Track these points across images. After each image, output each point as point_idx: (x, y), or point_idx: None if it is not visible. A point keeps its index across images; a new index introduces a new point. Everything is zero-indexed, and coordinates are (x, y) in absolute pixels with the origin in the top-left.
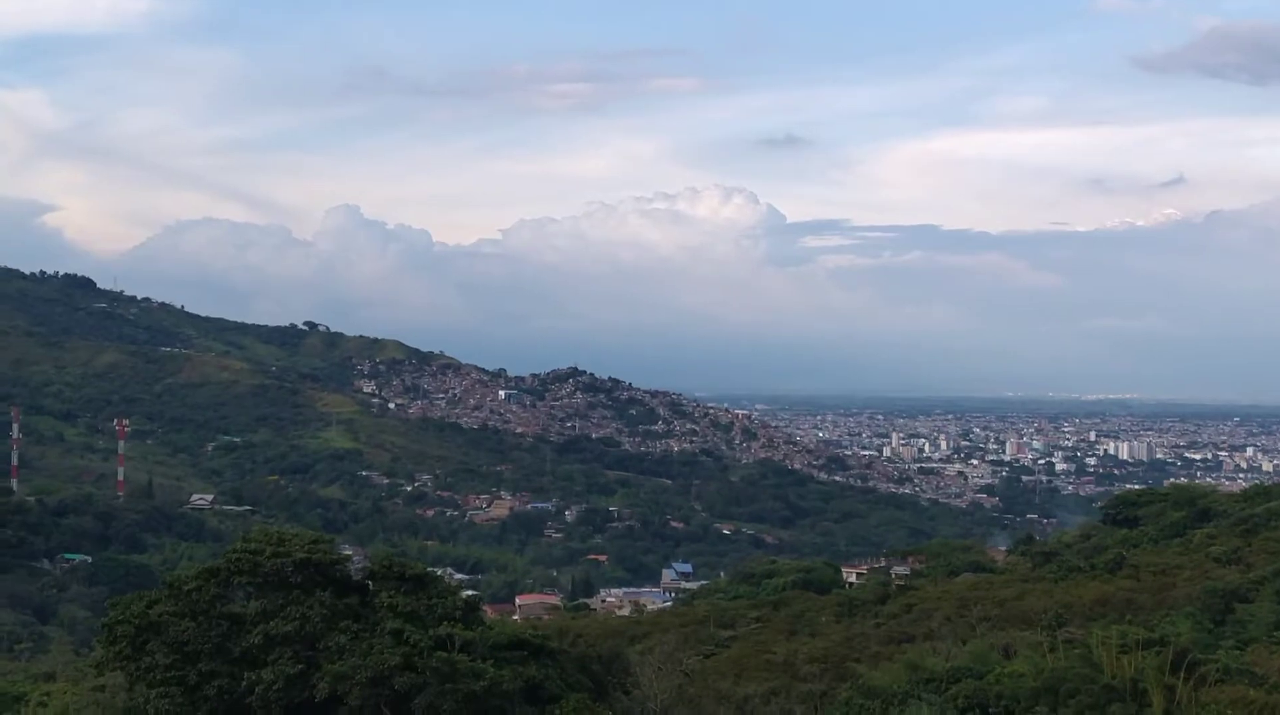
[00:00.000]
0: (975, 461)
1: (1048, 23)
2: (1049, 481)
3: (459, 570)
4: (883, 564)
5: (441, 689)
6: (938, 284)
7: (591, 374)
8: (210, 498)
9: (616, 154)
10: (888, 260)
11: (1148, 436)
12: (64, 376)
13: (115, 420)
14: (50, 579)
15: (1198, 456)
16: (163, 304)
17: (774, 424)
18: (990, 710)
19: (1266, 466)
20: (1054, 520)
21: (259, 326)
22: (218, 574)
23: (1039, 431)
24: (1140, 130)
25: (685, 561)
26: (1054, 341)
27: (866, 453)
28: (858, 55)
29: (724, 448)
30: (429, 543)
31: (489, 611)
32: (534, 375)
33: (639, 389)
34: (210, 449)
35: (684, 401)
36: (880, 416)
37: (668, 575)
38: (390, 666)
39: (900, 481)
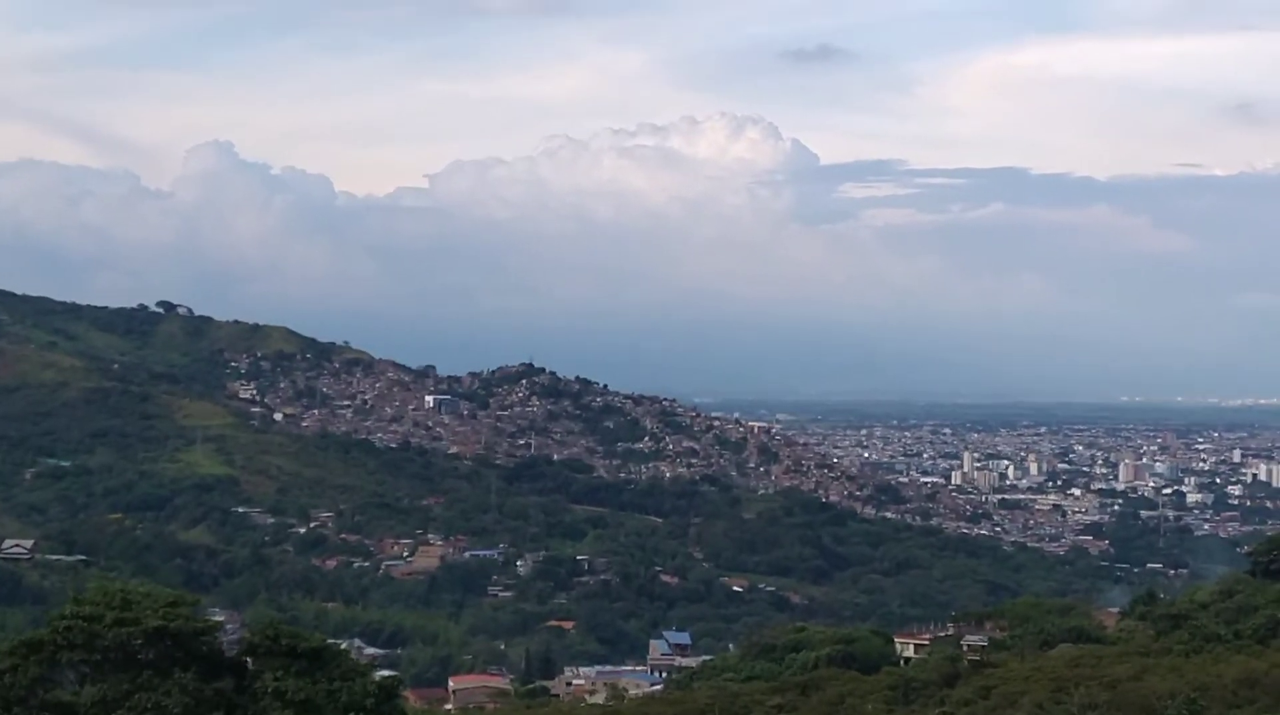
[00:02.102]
0: (1077, 491)
1: None
2: (1178, 518)
3: (371, 642)
4: (951, 632)
5: None
6: (1025, 248)
7: (553, 373)
8: (29, 544)
9: (587, 70)
10: (958, 216)
11: None
12: None
13: None
14: None
15: None
16: None
17: (803, 441)
18: None
19: None
20: (1185, 571)
21: (97, 308)
22: (39, 649)
23: (1164, 450)
24: None
25: (681, 629)
26: (1184, 326)
27: (929, 480)
28: None
29: (734, 473)
30: (330, 605)
31: (412, 699)
32: (474, 374)
33: (617, 393)
34: (29, 477)
35: (679, 410)
36: (947, 430)
37: (657, 648)
38: None
39: (975, 519)
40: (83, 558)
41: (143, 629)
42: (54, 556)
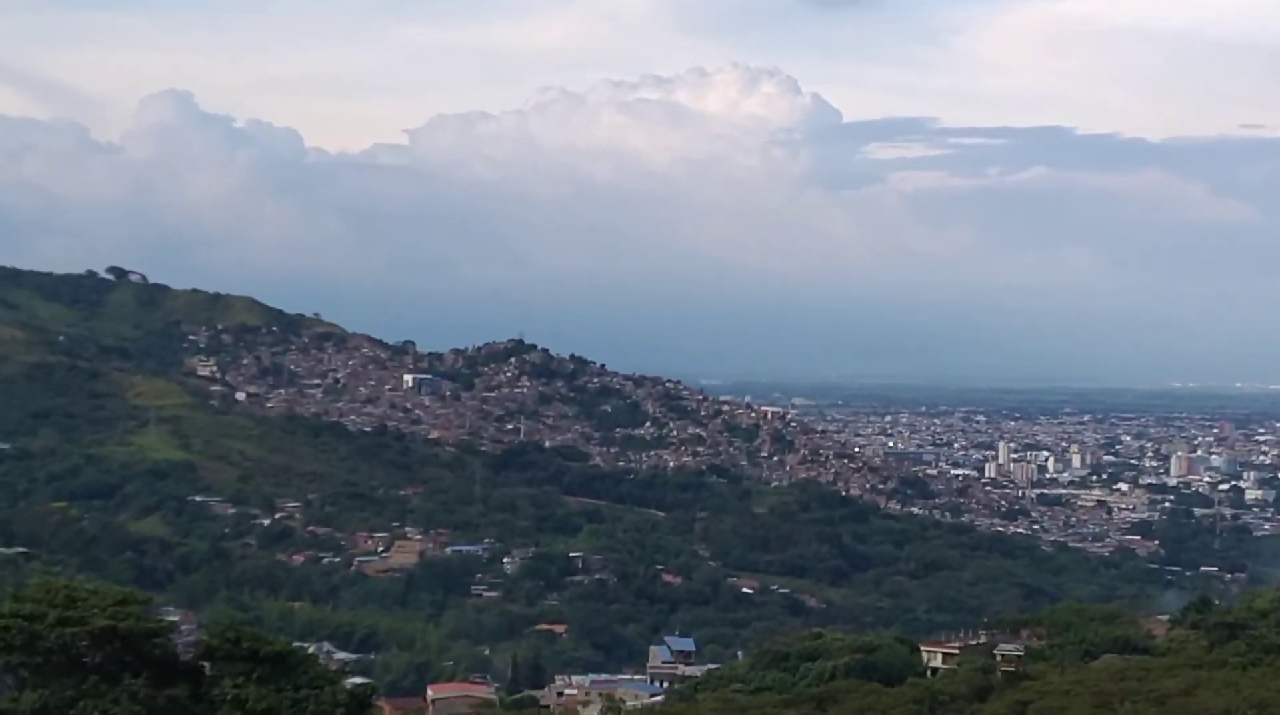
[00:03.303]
0: (1124, 486)
1: None
2: (1235, 517)
3: (341, 646)
4: (983, 640)
5: None
6: (1069, 217)
7: (545, 350)
8: None
9: (584, 15)
10: (995, 180)
11: None
12: None
13: None
14: None
15: None
16: None
17: (821, 428)
18: None
19: None
20: (1242, 575)
21: (40, 274)
22: None
23: (1221, 441)
24: None
25: (685, 634)
26: (1245, 305)
27: (960, 472)
28: None
29: (744, 463)
30: (296, 604)
31: (387, 709)
32: (458, 351)
33: (616, 373)
34: None
35: (684, 393)
36: (981, 417)
37: (658, 654)
38: None
39: (1011, 516)
40: (23, 550)
41: (89, 630)
42: None
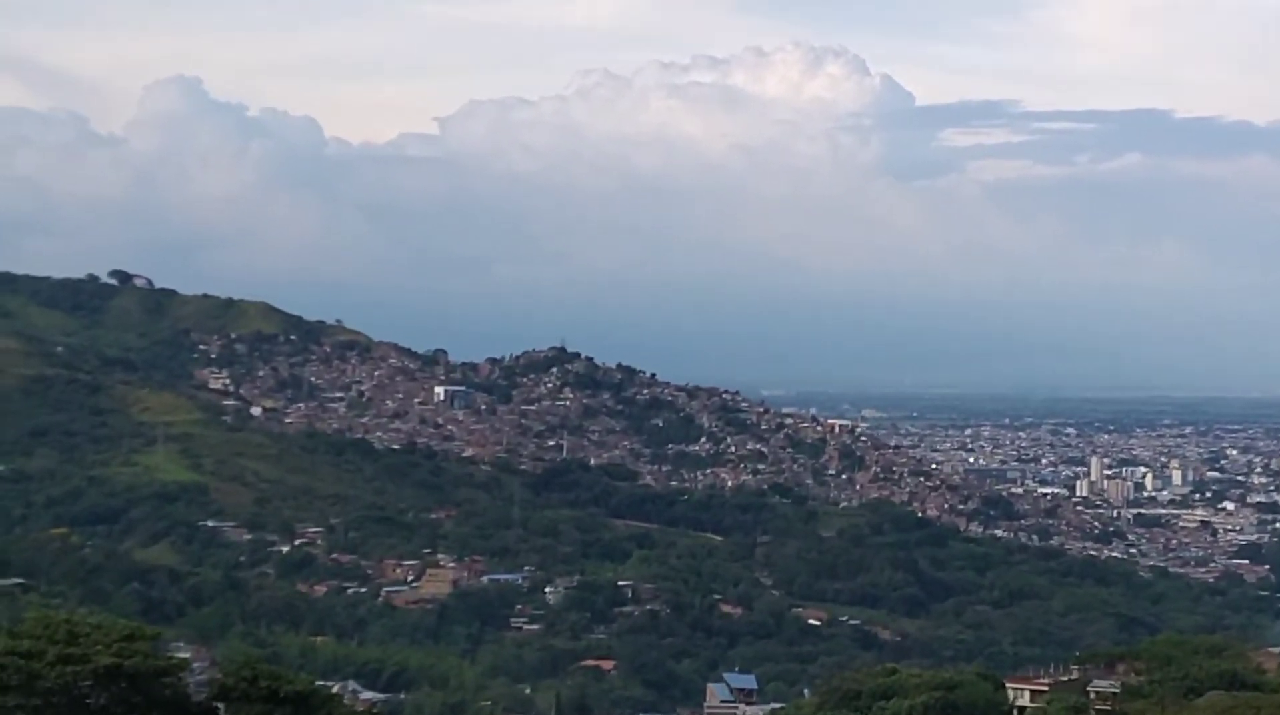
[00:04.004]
0: (1230, 505)
1: None
2: None
3: (368, 685)
4: (1075, 676)
5: None
6: (1167, 208)
7: (589, 358)
8: None
9: None
10: (1084, 169)
11: None
12: None
13: None
14: None
15: None
16: None
17: (894, 442)
18: None
19: None
20: None
21: (36, 279)
22: None
23: None
24: None
25: (745, 671)
26: None
27: (1048, 490)
28: None
29: (809, 481)
30: (318, 639)
31: None
32: (494, 361)
33: (667, 384)
34: None
35: (743, 404)
36: (1071, 430)
37: (716, 693)
38: None
39: (1104, 538)
40: (19, 581)
41: (92, 668)
42: None
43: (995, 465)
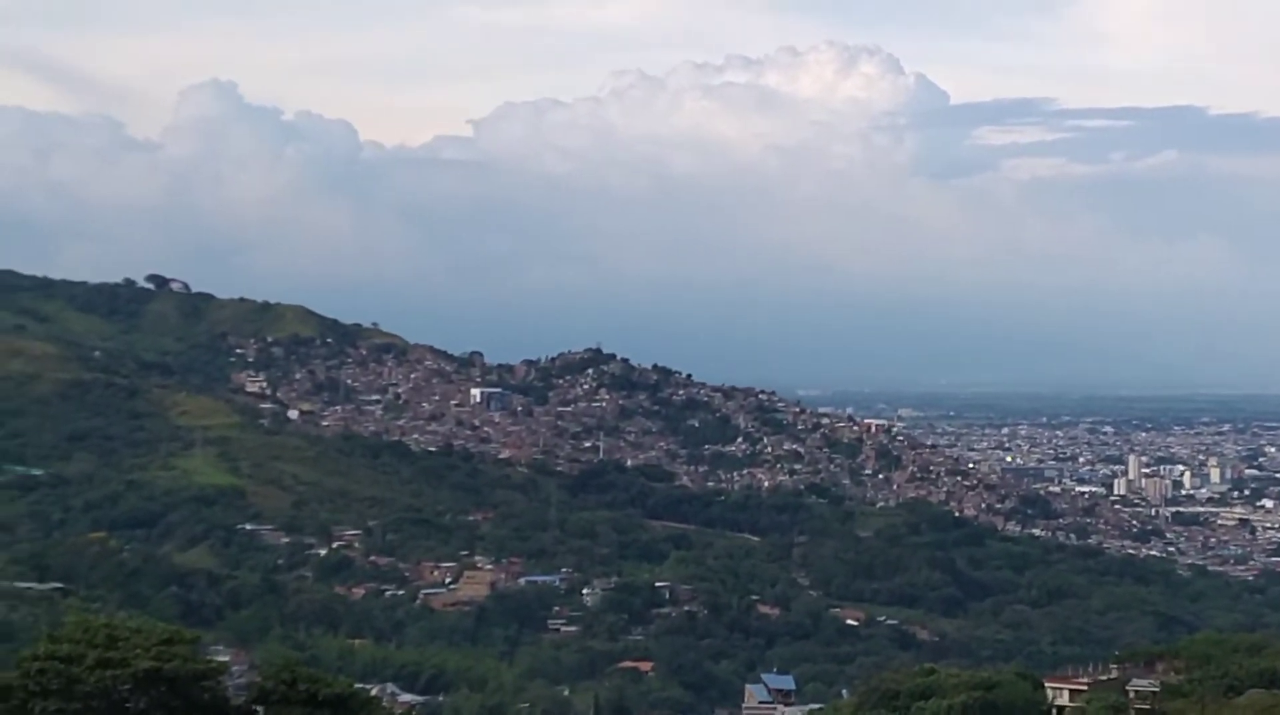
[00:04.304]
0: (1269, 503)
1: None
2: None
3: (407, 687)
4: (1114, 675)
5: None
6: (1204, 205)
7: (625, 360)
8: None
9: None
10: (1120, 166)
11: None
12: None
13: None
14: None
15: None
16: None
17: (931, 442)
18: None
19: None
20: None
21: (73, 284)
22: (8, 696)
23: None
24: None
25: (783, 671)
26: None
27: (1086, 489)
28: None
29: (847, 482)
30: (356, 642)
31: None
32: (529, 362)
33: (704, 385)
34: None
35: (779, 405)
36: (1109, 428)
37: (754, 694)
38: None
39: (1143, 537)
40: (59, 586)
41: (131, 672)
42: (24, 585)
43: (1032, 464)
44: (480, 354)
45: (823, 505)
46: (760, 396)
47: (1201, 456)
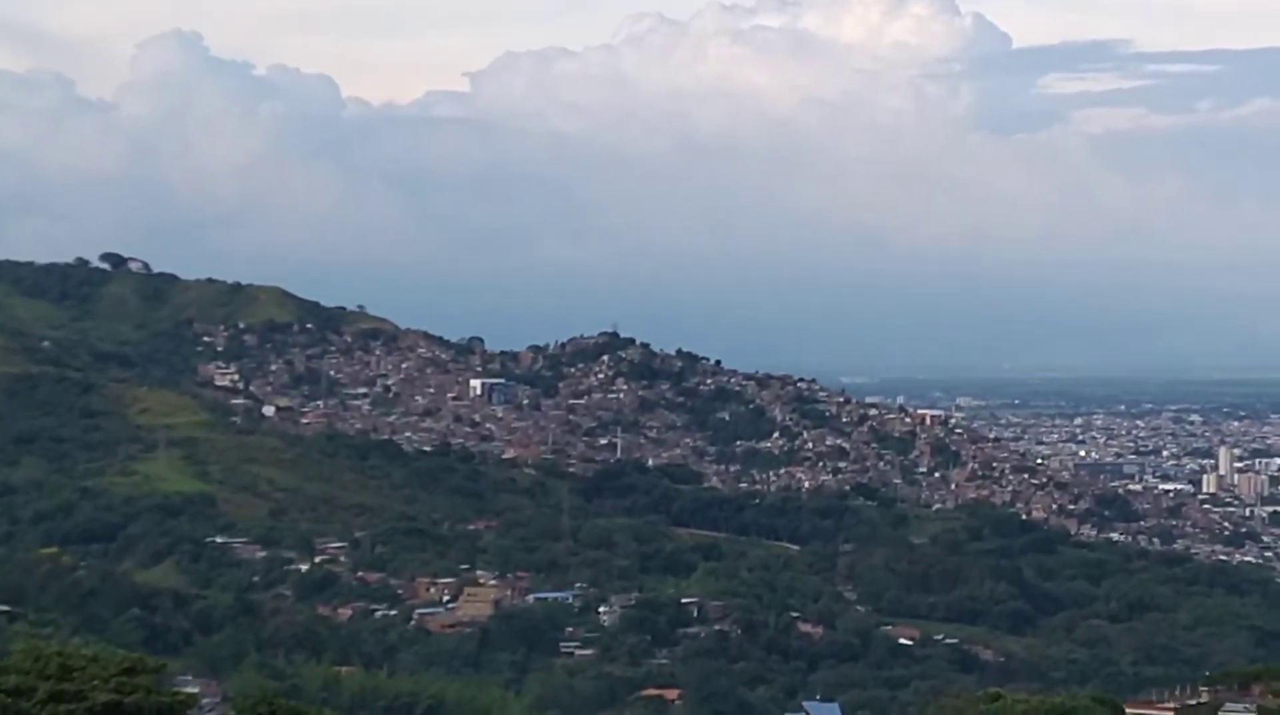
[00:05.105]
0: None
1: None
2: None
3: None
4: (1205, 699)
5: None
6: None
7: (645, 345)
8: None
9: None
10: (1207, 117)
11: None
12: None
13: None
14: None
15: None
16: None
17: (994, 435)
18: None
19: None
20: None
21: (18, 264)
22: None
23: None
24: None
25: (828, 698)
26: None
27: (1171, 487)
28: None
29: (898, 481)
30: (344, 669)
31: None
32: (536, 349)
33: (735, 372)
34: None
35: (821, 395)
36: (1196, 417)
37: None
38: None
39: (1236, 540)
40: (4, 609)
41: (87, 706)
42: None
43: (1110, 459)
44: (480, 340)
45: (871, 508)
46: (799, 385)
47: None
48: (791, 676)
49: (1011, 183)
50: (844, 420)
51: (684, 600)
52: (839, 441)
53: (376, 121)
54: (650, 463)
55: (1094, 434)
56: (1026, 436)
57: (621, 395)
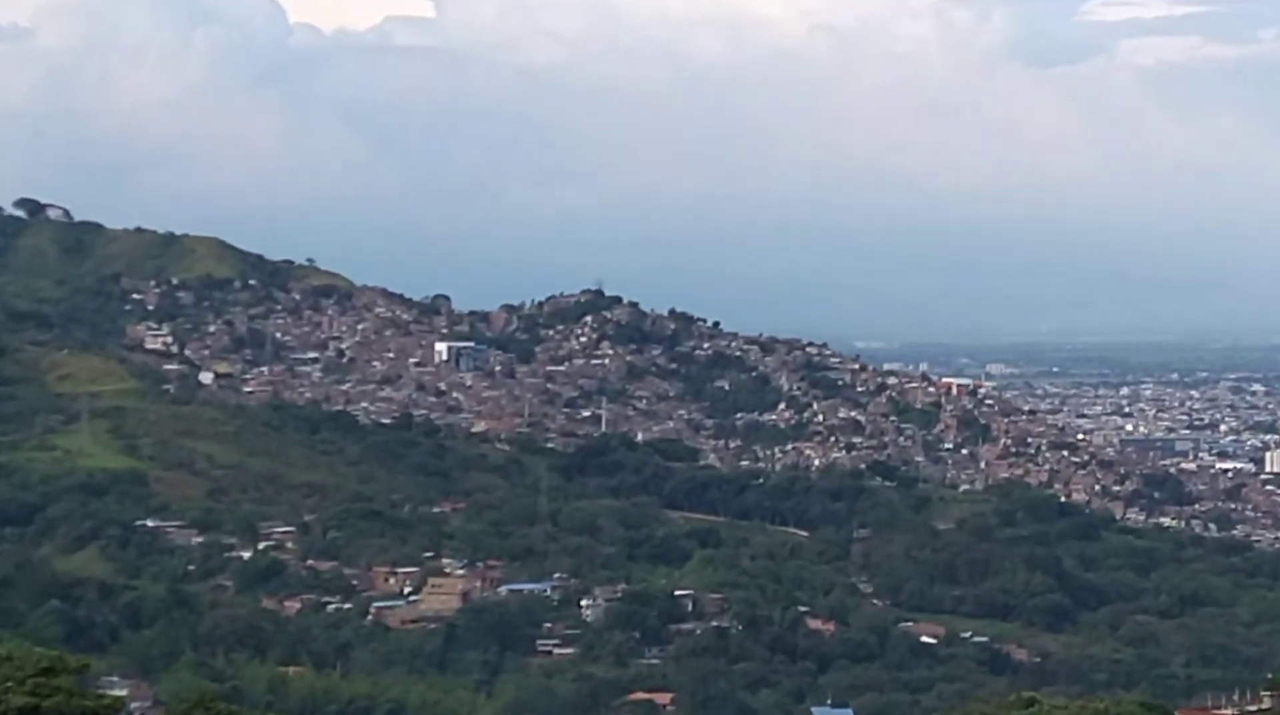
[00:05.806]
0: None
1: None
2: None
3: None
4: (1266, 704)
5: None
6: None
7: (633, 304)
8: None
9: None
10: (1271, 48)
11: None
12: None
13: None
14: None
15: None
16: None
17: (1029, 407)
18: None
19: None
20: None
21: None
22: None
23: None
24: None
25: (840, 703)
26: None
27: (1230, 466)
28: None
29: (920, 459)
30: (291, 669)
31: None
32: (510, 308)
33: (735, 336)
34: None
35: (833, 361)
36: (1258, 386)
37: None
38: None
39: None
40: None
41: (1, 710)
42: None
43: (1160, 434)
44: (447, 298)
45: (889, 489)
46: (808, 350)
47: None
48: (799, 679)
49: (1049, 121)
50: (859, 390)
51: (677, 593)
52: (853, 414)
53: (328, 51)
54: (639, 437)
55: (1142, 406)
56: (1066, 408)
57: (607, 361)
